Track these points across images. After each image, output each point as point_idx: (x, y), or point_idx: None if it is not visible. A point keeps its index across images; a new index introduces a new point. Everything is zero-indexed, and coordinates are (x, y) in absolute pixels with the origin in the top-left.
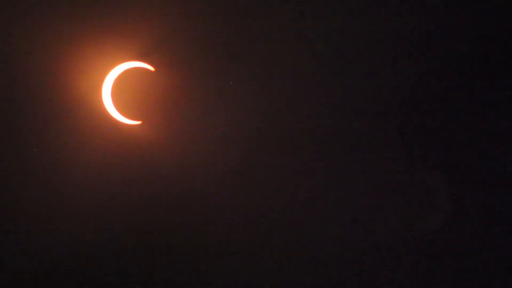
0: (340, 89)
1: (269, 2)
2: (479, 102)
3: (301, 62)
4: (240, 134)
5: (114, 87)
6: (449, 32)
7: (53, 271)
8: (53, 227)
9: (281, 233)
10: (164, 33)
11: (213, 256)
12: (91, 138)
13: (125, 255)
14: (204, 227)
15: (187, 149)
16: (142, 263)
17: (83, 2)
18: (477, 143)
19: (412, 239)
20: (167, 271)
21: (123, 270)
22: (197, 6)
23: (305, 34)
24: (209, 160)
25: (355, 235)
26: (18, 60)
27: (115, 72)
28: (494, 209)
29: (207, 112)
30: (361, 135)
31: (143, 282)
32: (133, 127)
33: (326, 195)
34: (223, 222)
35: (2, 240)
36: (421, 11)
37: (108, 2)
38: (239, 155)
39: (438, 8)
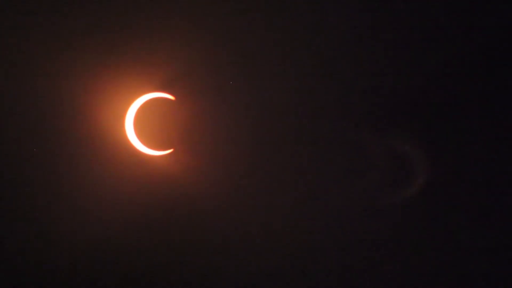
0: (339, 88)
1: (282, 30)
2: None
3: (320, 74)
4: (260, 150)
5: (136, 117)
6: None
7: None
8: (77, 254)
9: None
10: (183, 65)
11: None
12: (114, 168)
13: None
14: (223, 242)
15: (207, 175)
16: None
17: (107, 36)
18: (457, 120)
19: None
20: None
21: None
22: (212, 37)
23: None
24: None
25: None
26: (41, 91)
27: (137, 103)
28: (468, 185)
29: (226, 137)
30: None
31: None
32: (155, 157)
33: (327, 191)
34: (246, 234)
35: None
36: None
37: (129, 38)
38: (258, 171)
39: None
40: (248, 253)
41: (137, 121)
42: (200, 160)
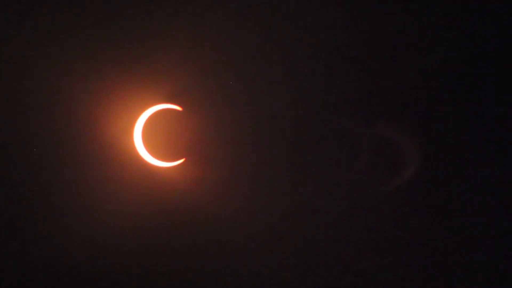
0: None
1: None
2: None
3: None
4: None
5: (145, 129)
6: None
7: None
8: (83, 263)
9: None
10: (189, 76)
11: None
12: (123, 179)
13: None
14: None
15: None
16: None
17: (114, 49)
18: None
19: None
20: None
21: None
22: (218, 48)
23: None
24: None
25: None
26: (49, 102)
27: (145, 115)
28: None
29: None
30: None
31: None
32: (164, 168)
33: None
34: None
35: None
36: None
37: (137, 51)
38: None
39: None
40: (258, 257)
41: (145, 133)
42: (209, 170)
